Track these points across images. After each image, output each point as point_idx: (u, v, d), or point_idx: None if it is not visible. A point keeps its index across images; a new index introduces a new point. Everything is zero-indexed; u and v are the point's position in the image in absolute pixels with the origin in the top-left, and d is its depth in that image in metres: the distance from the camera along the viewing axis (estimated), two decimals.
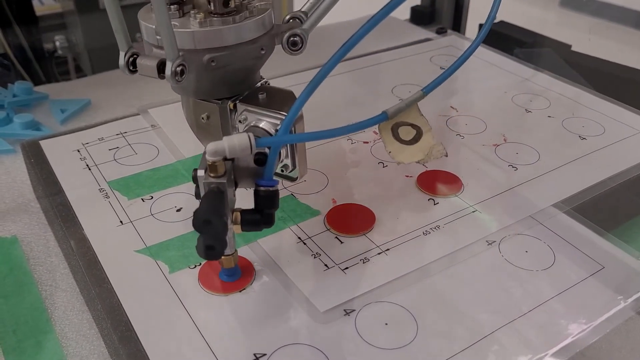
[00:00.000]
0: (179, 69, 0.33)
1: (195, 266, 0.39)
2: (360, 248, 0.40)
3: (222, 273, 0.38)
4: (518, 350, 0.33)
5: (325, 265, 0.39)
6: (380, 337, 0.34)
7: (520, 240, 0.41)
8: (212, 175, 0.32)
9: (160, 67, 0.34)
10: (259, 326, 0.35)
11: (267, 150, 0.33)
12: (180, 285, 0.37)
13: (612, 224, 0.43)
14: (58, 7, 0.91)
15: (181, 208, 0.44)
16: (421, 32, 0.82)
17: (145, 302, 0.36)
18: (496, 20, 0.85)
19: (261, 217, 0.33)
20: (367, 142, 0.52)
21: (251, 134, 0.31)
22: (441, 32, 0.77)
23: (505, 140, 0.53)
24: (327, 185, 0.46)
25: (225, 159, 0.31)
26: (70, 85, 0.72)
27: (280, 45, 0.37)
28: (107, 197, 0.45)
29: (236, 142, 0.31)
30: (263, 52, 0.36)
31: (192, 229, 0.41)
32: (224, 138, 0.31)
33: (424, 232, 0.42)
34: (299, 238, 0.41)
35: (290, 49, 0.37)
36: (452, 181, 0.47)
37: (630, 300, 0.37)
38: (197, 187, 0.33)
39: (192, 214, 0.43)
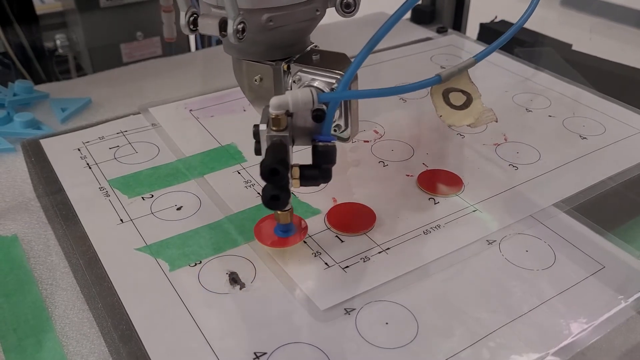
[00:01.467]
0: (240, 26, 0.34)
1: (196, 264, 0.39)
2: (360, 247, 0.40)
3: (277, 229, 0.39)
4: (518, 350, 0.33)
5: (326, 264, 0.39)
6: (380, 336, 0.34)
7: (521, 239, 0.41)
8: (274, 128, 0.33)
9: (222, 26, 0.35)
10: (259, 325, 0.35)
11: (324, 107, 0.34)
12: (181, 283, 0.37)
13: (612, 224, 0.43)
14: (59, 6, 0.91)
15: (181, 206, 0.44)
16: (422, 32, 0.82)
17: (146, 301, 0.36)
18: (496, 20, 0.85)
19: (319, 172, 0.35)
20: (367, 141, 0.52)
21: (313, 89, 0.33)
22: (441, 31, 0.77)
23: (505, 139, 0.53)
24: (328, 185, 0.46)
25: (286, 113, 0.33)
26: (70, 84, 0.72)
27: (334, 7, 0.38)
28: (108, 195, 0.45)
29: (299, 96, 0.33)
30: (318, 13, 0.38)
31: (192, 227, 0.42)
32: (287, 92, 0.33)
33: (425, 231, 0.42)
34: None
35: (344, 11, 0.38)
36: (453, 180, 0.47)
37: (630, 299, 0.37)
38: (257, 142, 0.35)
39: (192, 213, 0.43)
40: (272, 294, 0.37)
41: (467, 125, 0.39)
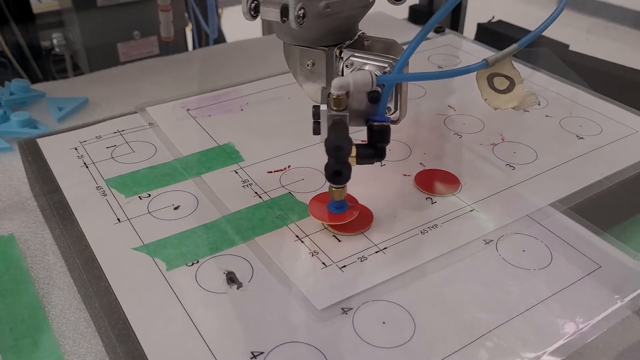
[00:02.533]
0: (300, 12, 0.36)
1: (193, 264, 0.39)
2: (358, 246, 0.40)
3: (331, 205, 0.40)
4: (515, 349, 0.34)
5: (323, 263, 0.39)
6: (377, 336, 0.34)
7: (518, 239, 0.42)
8: (335, 108, 0.35)
9: (283, 12, 0.37)
10: (256, 324, 0.35)
11: (380, 89, 0.36)
12: (178, 283, 0.37)
13: (609, 224, 0.43)
14: (55, 5, 0.90)
15: (179, 206, 0.44)
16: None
17: (143, 300, 0.36)
18: (494, 20, 0.86)
19: (375, 151, 0.37)
20: (364, 141, 0.52)
21: (372, 71, 0.35)
22: (439, 31, 0.77)
23: (503, 139, 0.53)
24: (325, 184, 0.46)
25: (346, 94, 0.35)
26: (67, 83, 0.71)
27: None
28: (105, 195, 0.45)
29: (359, 77, 0.35)
30: (370, 0, 0.40)
31: (189, 226, 0.42)
32: (348, 74, 0.35)
33: (422, 231, 0.42)
34: (297, 236, 0.41)
35: (395, 0, 0.42)
36: (450, 180, 0.47)
37: (626, 299, 0.37)
38: (316, 122, 0.37)
39: (189, 212, 0.43)
40: (269, 294, 0.37)
41: (512, 108, 0.40)
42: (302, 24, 0.36)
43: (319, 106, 0.37)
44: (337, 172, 0.35)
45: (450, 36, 0.75)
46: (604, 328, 0.35)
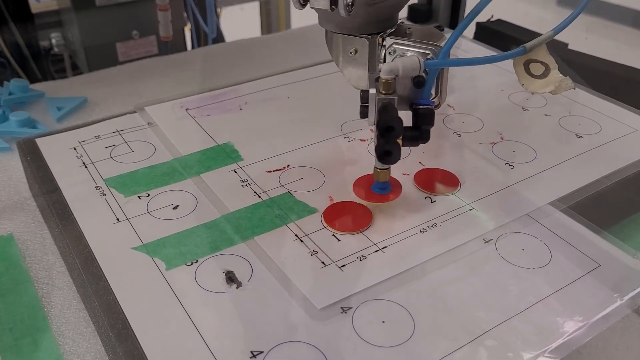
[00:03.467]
0: (350, 0, 0.37)
1: (192, 263, 0.39)
2: (357, 246, 0.40)
3: (375, 186, 0.43)
4: (514, 348, 0.34)
5: (323, 262, 0.39)
6: (377, 335, 0.34)
7: (517, 238, 0.42)
8: (384, 92, 0.37)
9: (333, 0, 0.38)
10: (256, 323, 0.35)
11: (424, 75, 0.38)
12: (177, 282, 0.37)
13: (608, 222, 0.43)
14: (54, 5, 0.90)
15: (178, 205, 0.44)
16: None
17: (142, 300, 0.36)
18: (493, 19, 0.86)
19: (420, 133, 0.39)
20: (364, 140, 0.52)
21: (420, 57, 0.37)
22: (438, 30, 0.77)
23: (502, 138, 0.53)
24: (324, 183, 0.46)
25: (394, 78, 0.37)
26: (66, 83, 0.71)
27: None
28: (104, 194, 0.45)
29: (408, 62, 0.37)
30: None
31: (189, 226, 0.42)
32: (397, 59, 0.37)
33: (421, 230, 0.42)
34: (296, 235, 0.41)
35: None
36: (449, 179, 0.47)
37: (626, 298, 0.37)
38: (363, 106, 0.40)
39: (188, 212, 0.43)
40: (268, 293, 0.37)
41: (549, 92, 0.40)
42: (350, 12, 0.37)
43: (367, 90, 0.39)
44: (388, 152, 0.37)
45: (449, 35, 0.75)
46: (603, 327, 0.35)
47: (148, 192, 0.46)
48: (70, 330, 0.38)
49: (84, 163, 0.49)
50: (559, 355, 0.33)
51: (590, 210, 0.44)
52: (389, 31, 0.42)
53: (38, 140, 0.52)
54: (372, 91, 0.39)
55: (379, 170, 0.42)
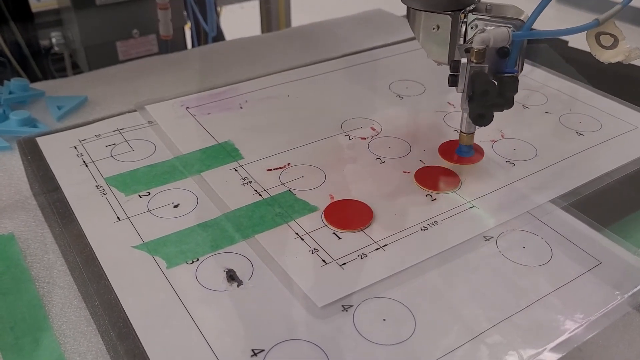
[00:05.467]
0: None
1: (193, 261, 0.39)
2: (358, 244, 0.40)
3: (459, 149, 0.47)
4: (515, 346, 0.34)
5: (323, 260, 0.39)
6: (378, 333, 0.34)
7: (518, 236, 0.42)
8: (475, 61, 0.40)
9: None
10: (257, 322, 0.35)
11: (508, 46, 0.41)
12: (178, 281, 0.37)
13: (609, 220, 0.43)
14: (54, 4, 0.90)
15: (178, 204, 0.44)
16: None
17: (143, 298, 0.36)
18: None
19: (504, 100, 0.41)
20: (364, 138, 0.52)
21: (509, 28, 0.40)
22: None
23: (502, 136, 0.53)
24: (325, 182, 0.46)
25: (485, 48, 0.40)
26: (66, 82, 0.71)
27: None
28: (104, 193, 0.45)
29: (499, 34, 0.40)
30: None
31: (189, 224, 0.42)
32: (488, 30, 0.40)
33: (422, 227, 0.42)
34: (297, 234, 0.41)
35: None
36: (450, 177, 0.47)
37: (627, 295, 0.37)
38: (453, 75, 0.42)
39: (189, 211, 0.43)
40: (269, 291, 0.37)
41: (620, 61, 0.43)
42: None
43: (458, 60, 0.42)
44: (482, 115, 0.41)
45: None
46: (604, 324, 0.35)
47: (148, 190, 0.46)
48: (71, 329, 0.38)
49: (84, 162, 0.49)
50: (560, 352, 0.33)
51: (591, 207, 0.44)
52: (469, 8, 0.44)
53: (38, 139, 0.52)
54: (464, 60, 0.42)
55: (464, 135, 0.46)
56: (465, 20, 0.44)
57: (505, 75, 0.41)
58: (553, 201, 0.45)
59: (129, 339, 0.34)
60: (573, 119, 0.56)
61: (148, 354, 0.33)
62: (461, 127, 0.46)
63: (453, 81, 0.43)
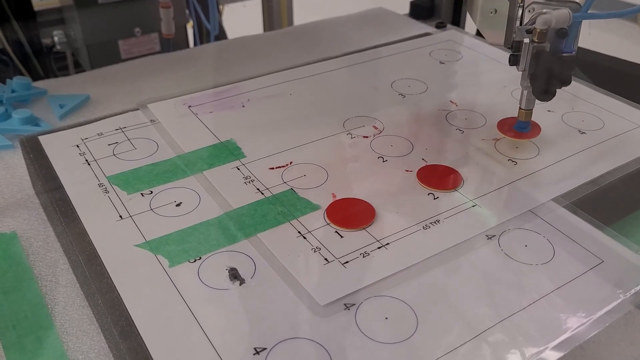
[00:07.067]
0: None
1: (195, 260, 0.39)
2: (360, 242, 0.40)
3: (517, 126, 0.50)
4: (517, 344, 0.34)
5: (326, 259, 0.39)
6: (380, 331, 0.34)
7: (520, 234, 0.42)
8: (537, 41, 0.43)
9: None
10: (259, 320, 0.35)
11: (566, 27, 0.42)
12: (181, 279, 0.38)
13: (611, 218, 0.43)
14: (56, 2, 0.91)
15: (180, 203, 0.44)
16: (420, 27, 0.82)
17: (146, 297, 0.36)
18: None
19: (564, 77, 0.44)
20: (367, 137, 0.52)
21: (569, 10, 0.42)
22: (440, 26, 0.77)
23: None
24: (327, 180, 0.46)
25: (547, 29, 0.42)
26: (68, 80, 0.71)
27: None
28: (107, 192, 0.45)
29: (560, 15, 0.42)
30: None
31: (192, 223, 0.42)
32: (550, 12, 0.42)
33: (424, 226, 0.42)
34: (299, 232, 0.41)
35: None
36: (452, 176, 0.47)
37: (629, 294, 0.37)
38: (514, 55, 0.45)
39: (191, 209, 0.43)
40: (271, 290, 0.37)
41: None
42: None
43: (520, 41, 0.44)
44: (547, 90, 0.44)
45: (452, 31, 0.75)
46: (606, 323, 0.35)
47: (151, 189, 0.46)
48: (74, 327, 0.38)
49: (86, 160, 0.49)
50: (562, 351, 0.33)
51: (593, 206, 0.44)
52: None
53: (41, 138, 0.52)
54: (526, 40, 0.44)
55: (523, 111, 0.49)
56: (522, 4, 0.45)
57: (564, 54, 0.43)
58: (555, 200, 0.45)
59: (131, 337, 0.34)
60: (575, 118, 0.56)
61: (150, 352, 0.33)
62: (520, 103, 0.48)
63: (514, 60, 0.45)
